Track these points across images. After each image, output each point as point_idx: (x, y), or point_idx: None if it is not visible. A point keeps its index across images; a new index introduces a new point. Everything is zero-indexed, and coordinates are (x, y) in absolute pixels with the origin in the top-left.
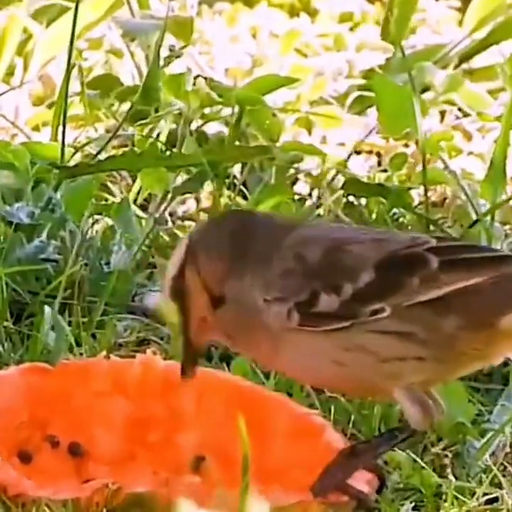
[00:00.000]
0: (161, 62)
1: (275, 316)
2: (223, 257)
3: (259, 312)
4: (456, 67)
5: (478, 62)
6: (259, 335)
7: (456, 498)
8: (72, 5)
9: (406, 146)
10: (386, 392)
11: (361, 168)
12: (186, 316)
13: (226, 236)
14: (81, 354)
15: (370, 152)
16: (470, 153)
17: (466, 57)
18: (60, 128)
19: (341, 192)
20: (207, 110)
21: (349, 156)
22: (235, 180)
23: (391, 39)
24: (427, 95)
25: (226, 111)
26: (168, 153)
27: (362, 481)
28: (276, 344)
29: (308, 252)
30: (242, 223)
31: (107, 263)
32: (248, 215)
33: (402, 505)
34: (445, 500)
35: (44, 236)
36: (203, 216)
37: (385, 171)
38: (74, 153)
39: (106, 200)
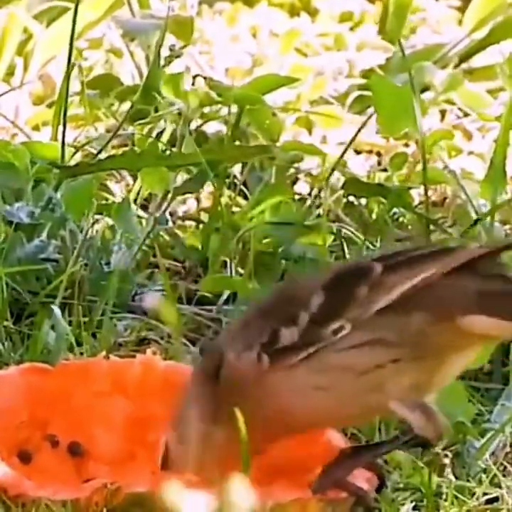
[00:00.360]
0: (161, 62)
1: (247, 362)
2: None
3: (236, 371)
4: (456, 66)
5: (477, 61)
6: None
7: (456, 497)
8: (72, 5)
9: (406, 145)
10: (381, 407)
11: (361, 167)
12: None
13: None
14: (81, 354)
15: (370, 152)
16: (470, 152)
17: (466, 56)
18: (60, 127)
19: (341, 192)
20: (207, 110)
21: (343, 154)
22: (235, 180)
23: (389, 37)
24: (427, 95)
25: (226, 110)
26: (168, 152)
27: (361, 478)
28: (259, 395)
29: (262, 303)
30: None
31: (108, 263)
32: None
33: (402, 504)
34: (445, 500)
35: (44, 236)
36: (204, 216)
37: (385, 170)
38: (74, 153)
39: (106, 199)
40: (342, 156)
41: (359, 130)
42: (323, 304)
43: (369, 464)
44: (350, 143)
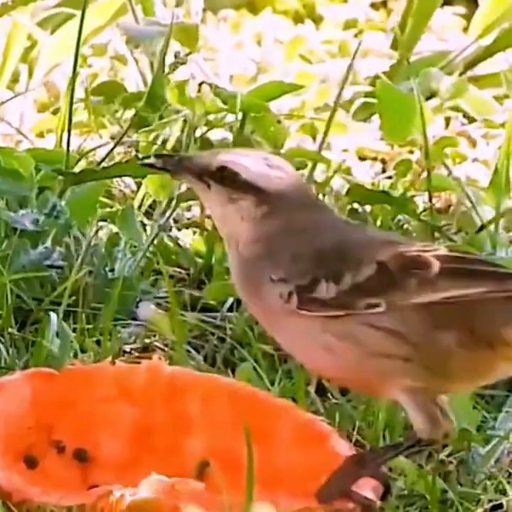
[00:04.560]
0: (166, 69)
1: (277, 297)
2: None
3: (264, 289)
4: (461, 74)
5: (483, 69)
6: (261, 308)
7: (461, 504)
8: (76, 12)
9: (411, 152)
10: (382, 389)
11: (366, 174)
12: None
13: None
14: (85, 361)
15: (374, 159)
16: (475, 159)
17: (471, 64)
18: (65, 134)
19: (346, 198)
20: (211, 117)
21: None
22: None
23: (403, 49)
24: (433, 102)
25: (231, 117)
26: None
27: (367, 487)
28: (274, 322)
29: (319, 240)
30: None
31: (112, 270)
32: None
33: (407, 511)
34: (450, 507)
35: (49, 243)
36: (208, 223)
37: (389, 177)
38: (78, 160)
39: (110, 206)
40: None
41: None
42: (371, 277)
43: (374, 472)
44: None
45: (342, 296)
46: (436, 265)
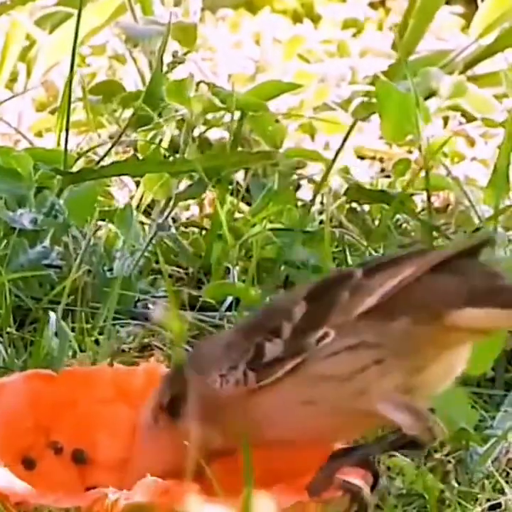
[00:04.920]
0: (164, 68)
1: (235, 385)
2: None
3: (223, 393)
4: (461, 73)
5: (482, 68)
6: (225, 413)
7: (459, 504)
8: (75, 11)
9: (409, 152)
10: (371, 414)
11: (364, 174)
12: None
13: None
14: (84, 360)
15: (373, 158)
16: (473, 159)
17: (471, 63)
18: (63, 134)
19: (344, 198)
20: (210, 116)
21: (335, 159)
22: (238, 187)
23: (404, 49)
24: (432, 101)
25: (229, 117)
26: (171, 159)
27: (355, 475)
28: (243, 412)
29: (244, 323)
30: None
31: (110, 269)
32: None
33: (405, 511)
34: (448, 506)
35: (47, 242)
36: (206, 222)
37: (388, 176)
38: (77, 159)
39: (109, 206)
40: (336, 156)
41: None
42: (306, 313)
43: (362, 461)
44: (342, 145)
45: (290, 344)
46: (358, 272)
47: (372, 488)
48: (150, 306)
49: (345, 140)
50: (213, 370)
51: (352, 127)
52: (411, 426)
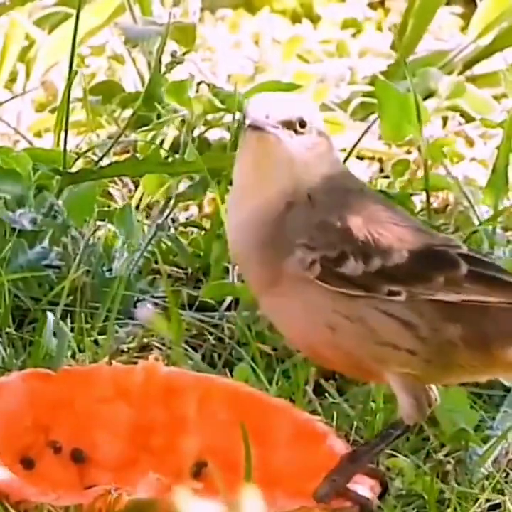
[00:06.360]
0: (163, 69)
1: (295, 261)
2: None
3: (283, 249)
4: (460, 73)
5: (481, 68)
6: (266, 267)
7: (459, 504)
8: (74, 11)
9: (408, 152)
10: (374, 374)
11: (363, 174)
12: None
13: None
14: (83, 360)
15: (372, 158)
16: (472, 159)
17: (469, 63)
18: (63, 134)
19: None
20: (209, 116)
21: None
22: None
23: (403, 50)
24: (431, 101)
25: (228, 117)
26: (170, 159)
27: (364, 486)
28: (276, 286)
29: (352, 215)
30: None
31: (109, 269)
32: None
33: (405, 511)
34: (448, 507)
35: (46, 242)
36: (206, 222)
37: (387, 177)
38: (76, 160)
39: (108, 206)
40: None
41: (362, 135)
42: (400, 265)
43: (371, 470)
44: (352, 149)
45: (367, 277)
46: (464, 267)
47: (381, 496)
48: (137, 306)
49: (355, 145)
50: (299, 229)
51: (364, 134)
52: (412, 415)
